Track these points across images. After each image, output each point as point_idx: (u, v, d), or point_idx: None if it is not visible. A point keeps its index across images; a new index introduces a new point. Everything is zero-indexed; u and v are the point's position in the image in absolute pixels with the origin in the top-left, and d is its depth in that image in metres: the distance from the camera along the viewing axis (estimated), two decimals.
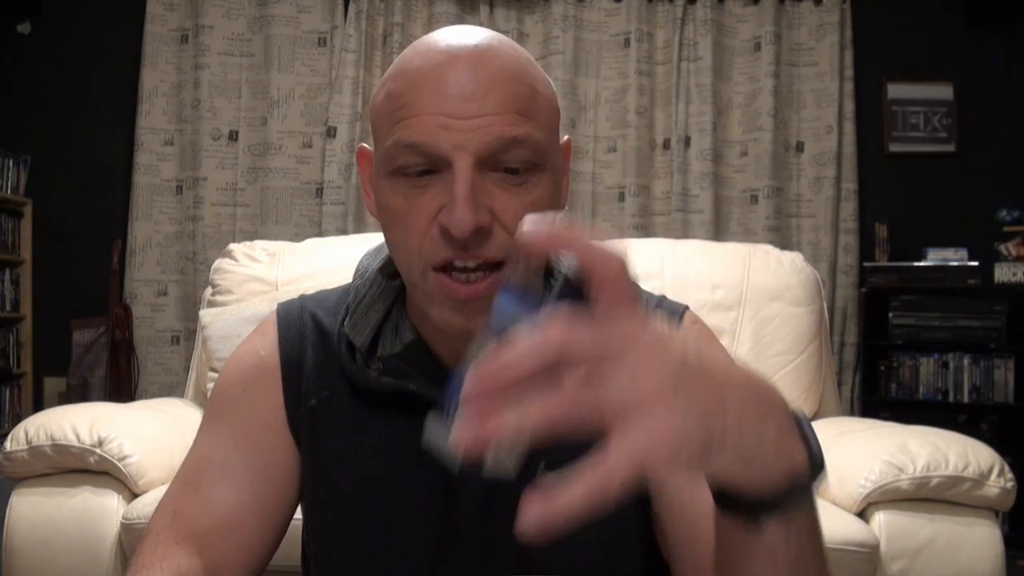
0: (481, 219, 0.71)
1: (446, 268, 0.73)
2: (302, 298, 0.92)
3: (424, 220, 0.73)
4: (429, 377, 0.81)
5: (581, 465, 0.80)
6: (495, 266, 0.73)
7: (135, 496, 1.77)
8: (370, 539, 0.84)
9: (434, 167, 0.72)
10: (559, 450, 0.81)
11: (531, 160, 0.73)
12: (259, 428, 0.86)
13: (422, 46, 0.75)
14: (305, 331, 0.88)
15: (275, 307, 0.92)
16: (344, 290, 0.90)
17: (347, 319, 0.85)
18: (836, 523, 1.64)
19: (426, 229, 0.73)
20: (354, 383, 0.84)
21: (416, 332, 0.82)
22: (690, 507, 0.79)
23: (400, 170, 0.73)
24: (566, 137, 0.82)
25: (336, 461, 0.84)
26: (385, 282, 0.85)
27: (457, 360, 0.80)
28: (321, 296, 0.91)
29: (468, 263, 0.72)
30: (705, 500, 0.79)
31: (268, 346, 0.88)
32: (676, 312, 0.87)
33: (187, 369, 2.79)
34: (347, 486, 0.84)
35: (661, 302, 0.88)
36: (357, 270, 0.89)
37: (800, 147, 3.87)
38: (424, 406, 0.81)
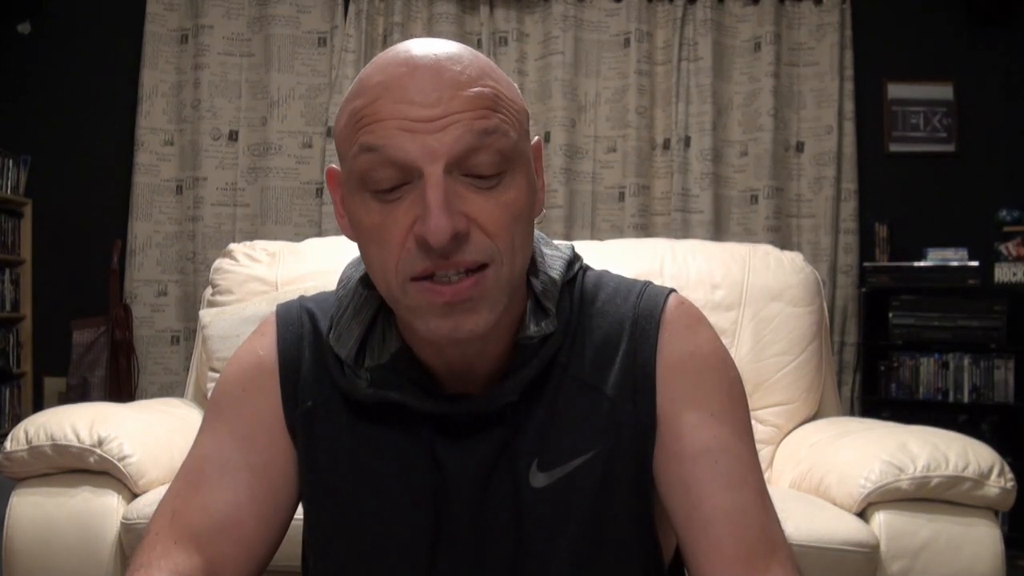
0: (458, 225, 0.70)
1: (426, 277, 0.72)
2: (301, 299, 0.92)
3: (399, 234, 0.72)
4: (417, 386, 0.81)
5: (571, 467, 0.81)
6: (478, 268, 0.72)
7: (135, 496, 1.77)
8: (365, 539, 0.84)
9: (404, 179, 0.71)
10: (550, 451, 0.82)
11: (501, 160, 0.72)
12: (258, 427, 0.86)
13: (381, 61, 0.74)
14: (303, 332, 0.88)
15: (275, 308, 0.92)
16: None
17: (332, 331, 0.84)
18: (836, 523, 1.64)
19: (402, 242, 0.72)
20: (344, 393, 0.84)
21: (402, 341, 0.81)
22: (700, 507, 0.79)
23: (370, 184, 0.72)
24: (535, 138, 0.81)
25: (331, 462, 0.84)
26: (367, 292, 0.84)
27: (445, 367, 0.80)
28: (320, 298, 0.91)
29: (450, 272, 0.71)
30: (719, 499, 0.79)
31: (267, 346, 0.88)
32: (660, 296, 0.85)
33: (187, 369, 2.79)
34: (342, 487, 0.84)
35: (645, 288, 0.87)
36: (340, 280, 0.88)
37: (800, 147, 3.87)
38: (413, 414, 0.81)
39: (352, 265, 0.89)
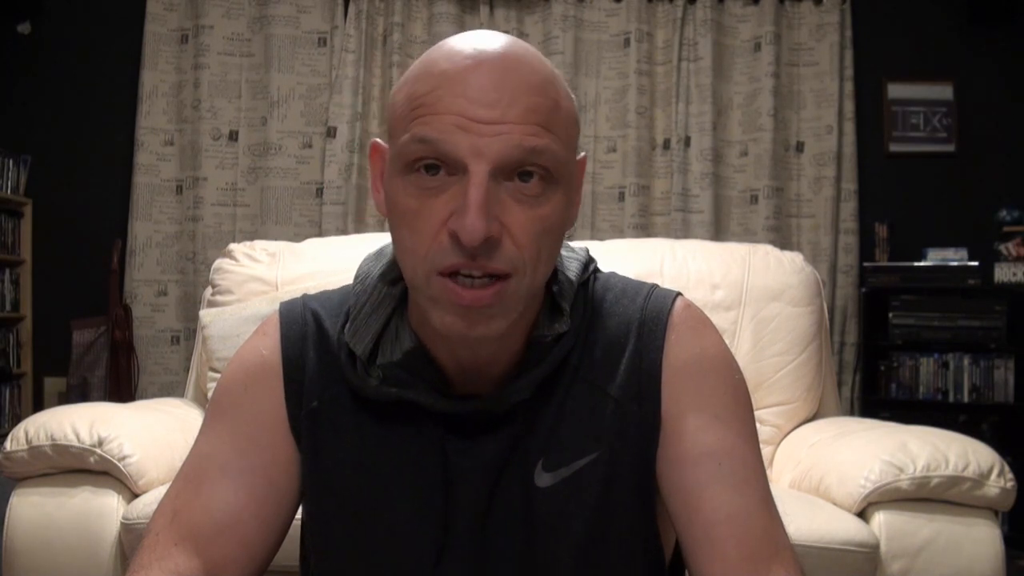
0: (492, 229, 0.70)
1: (451, 274, 0.72)
2: (305, 298, 0.91)
3: (434, 224, 0.72)
4: (429, 384, 0.80)
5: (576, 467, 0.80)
6: (501, 276, 0.72)
7: (135, 496, 1.77)
8: (371, 542, 0.83)
9: (448, 170, 0.71)
10: (555, 452, 0.82)
11: (547, 175, 0.72)
12: (260, 428, 0.85)
13: (447, 48, 0.74)
14: (307, 332, 0.87)
15: (278, 307, 0.91)
16: (346, 291, 0.89)
17: (348, 326, 0.84)
18: (836, 523, 1.64)
19: (435, 233, 0.72)
20: (355, 390, 0.83)
21: (416, 339, 0.81)
22: (702, 509, 0.79)
23: (413, 166, 0.72)
24: (583, 154, 0.81)
25: (337, 463, 0.84)
26: (386, 289, 0.84)
27: (458, 366, 0.80)
28: (323, 297, 0.91)
29: (474, 272, 0.71)
30: (721, 502, 0.79)
31: (270, 346, 0.87)
32: (667, 298, 0.86)
33: (187, 369, 2.79)
34: (348, 488, 0.84)
35: (652, 290, 0.87)
36: (357, 275, 0.88)
37: (800, 147, 3.87)
38: (424, 412, 0.81)
39: (369, 260, 0.89)
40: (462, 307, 0.72)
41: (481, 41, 0.74)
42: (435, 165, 0.71)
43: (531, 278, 0.74)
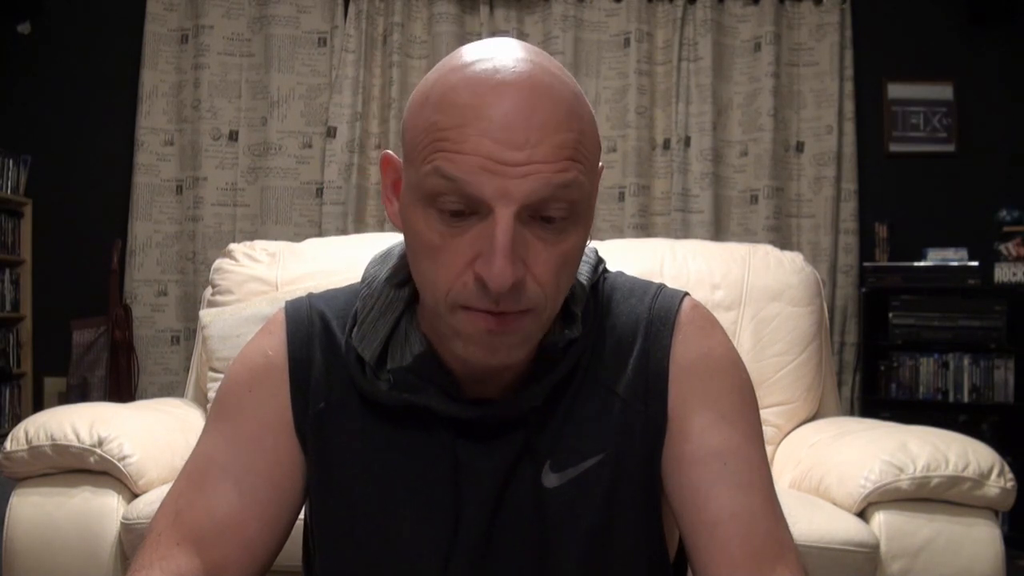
0: (518, 273, 0.69)
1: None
2: (310, 297, 0.90)
3: (459, 263, 0.71)
4: (440, 388, 0.80)
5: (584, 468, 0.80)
6: (523, 311, 0.72)
7: (135, 496, 1.77)
8: (379, 544, 0.83)
9: (473, 210, 0.70)
10: (563, 453, 0.82)
11: (570, 208, 0.71)
12: (264, 429, 0.84)
13: (469, 73, 0.71)
14: (314, 332, 0.86)
15: (283, 305, 0.90)
16: (352, 291, 0.89)
17: (356, 330, 0.83)
18: (836, 523, 1.64)
19: (459, 272, 0.71)
20: (363, 394, 0.83)
21: (426, 342, 0.80)
22: (707, 508, 0.79)
23: (437, 204, 0.70)
24: (600, 165, 0.79)
25: (344, 466, 0.83)
26: (394, 293, 0.83)
27: (468, 371, 0.80)
28: (329, 295, 0.90)
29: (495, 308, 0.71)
30: (726, 501, 0.79)
31: (276, 346, 0.86)
32: (675, 298, 0.86)
33: (187, 369, 2.79)
34: (355, 491, 0.83)
35: (660, 290, 0.87)
36: (364, 278, 0.87)
37: (800, 147, 3.87)
38: (434, 416, 0.81)
39: (375, 262, 0.88)
40: (486, 333, 0.72)
41: (503, 63, 0.71)
42: (459, 213, 0.70)
43: (551, 309, 0.75)
